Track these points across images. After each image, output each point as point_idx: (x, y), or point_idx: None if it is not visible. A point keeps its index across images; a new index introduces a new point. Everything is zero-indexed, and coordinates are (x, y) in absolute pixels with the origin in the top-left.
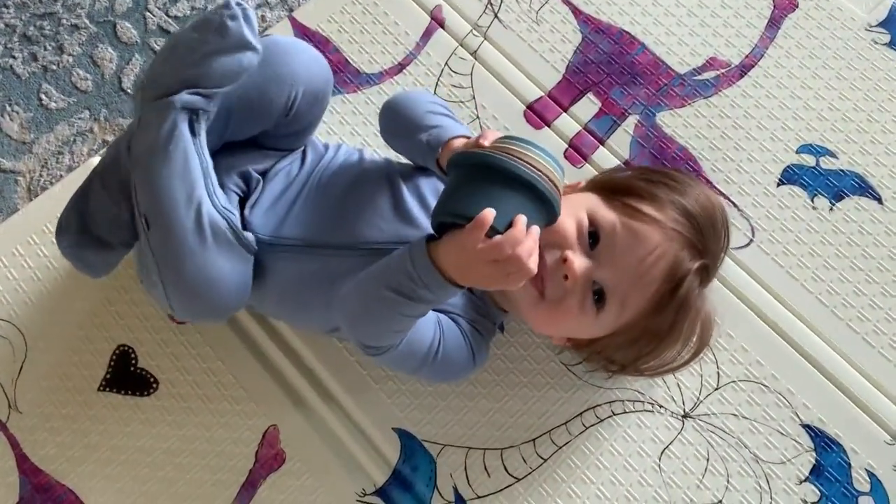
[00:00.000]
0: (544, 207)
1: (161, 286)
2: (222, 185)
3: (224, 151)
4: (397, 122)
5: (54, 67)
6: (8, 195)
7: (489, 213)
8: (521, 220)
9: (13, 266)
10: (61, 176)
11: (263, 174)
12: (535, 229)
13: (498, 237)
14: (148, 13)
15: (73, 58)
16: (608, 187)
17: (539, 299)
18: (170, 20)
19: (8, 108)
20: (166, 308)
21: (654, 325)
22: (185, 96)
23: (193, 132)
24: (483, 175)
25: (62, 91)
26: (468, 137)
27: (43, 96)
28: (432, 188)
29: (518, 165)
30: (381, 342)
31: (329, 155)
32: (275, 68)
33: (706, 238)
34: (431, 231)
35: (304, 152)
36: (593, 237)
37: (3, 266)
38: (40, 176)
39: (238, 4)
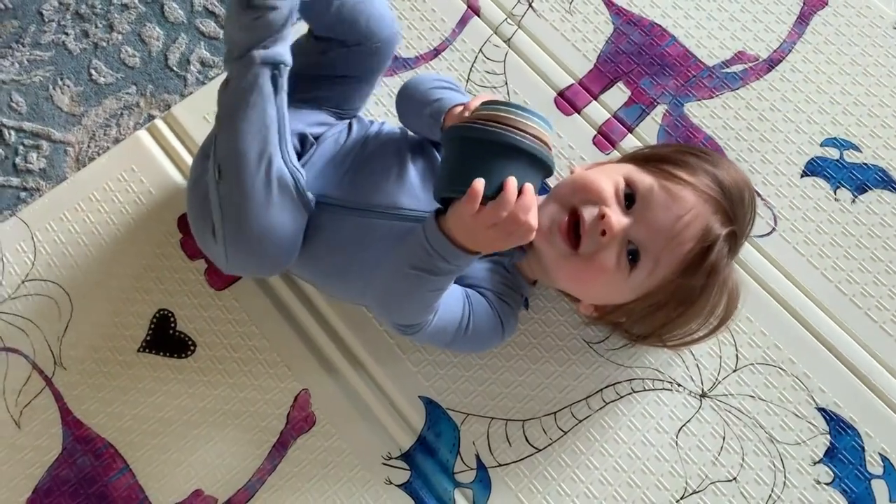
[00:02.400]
0: (534, 163)
1: (222, 239)
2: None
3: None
4: (406, 102)
5: (104, 44)
6: (58, 164)
7: (478, 184)
8: (510, 182)
9: (61, 231)
10: (108, 147)
11: (317, 138)
12: (528, 187)
13: (490, 203)
14: None
15: (123, 35)
16: (643, 157)
17: (572, 254)
18: (215, 2)
19: (59, 83)
20: (221, 261)
21: (683, 290)
22: (261, 52)
23: (276, 87)
24: (469, 147)
25: (111, 67)
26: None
27: (93, 71)
28: None
29: (498, 131)
30: (412, 320)
31: (374, 128)
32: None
33: (736, 207)
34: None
35: (350, 124)
36: (629, 199)
37: (51, 230)
38: (88, 147)
39: None
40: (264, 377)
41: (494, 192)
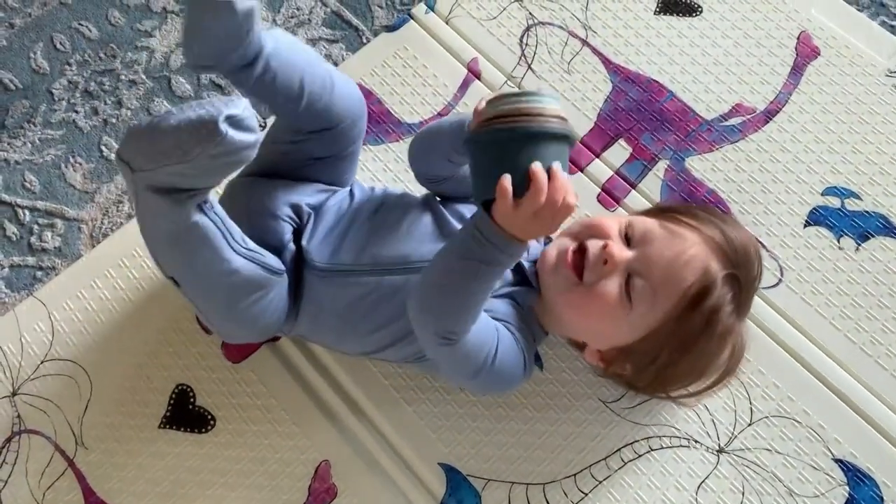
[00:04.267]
0: (552, 140)
1: (208, 321)
2: (276, 216)
3: (280, 184)
4: (424, 139)
5: (114, 120)
6: (72, 242)
7: (504, 181)
8: (535, 170)
9: (78, 309)
10: (121, 223)
11: (315, 209)
12: (556, 167)
13: (526, 195)
14: None
15: (132, 111)
16: (649, 210)
17: (577, 283)
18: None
19: (71, 160)
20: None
21: (684, 332)
22: (195, 198)
23: (204, 210)
24: (488, 149)
25: None
26: None
27: (104, 148)
28: (470, 210)
29: (506, 127)
30: (453, 324)
31: (376, 193)
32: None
33: (739, 256)
34: None
35: (351, 191)
36: (632, 240)
37: (68, 309)
38: (102, 223)
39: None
40: (284, 449)
41: (524, 181)
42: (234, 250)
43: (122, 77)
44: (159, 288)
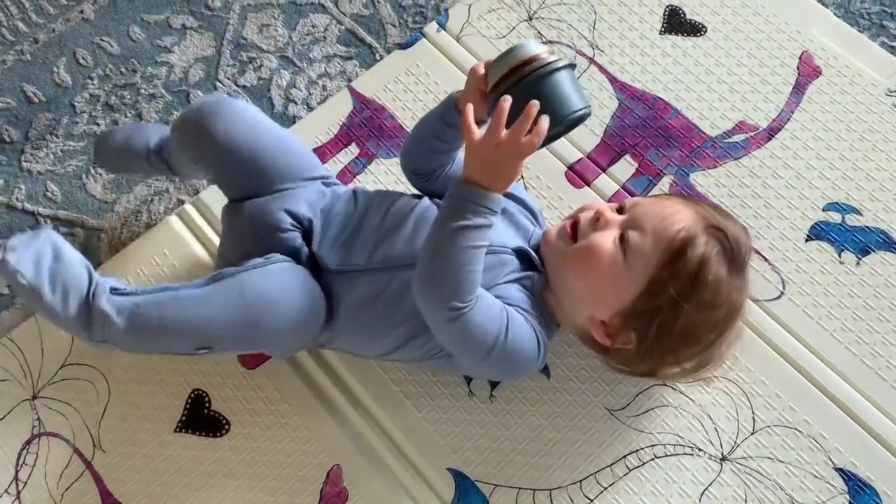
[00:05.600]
0: (559, 72)
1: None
2: (280, 229)
3: (270, 198)
4: (409, 136)
5: None
6: (92, 250)
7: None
8: (529, 106)
9: None
10: (139, 232)
11: (324, 212)
12: (534, 109)
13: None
14: (218, 83)
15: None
16: None
17: (572, 242)
18: (238, 89)
19: (92, 171)
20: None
21: (678, 282)
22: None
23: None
24: (517, 98)
25: None
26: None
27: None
28: None
29: (518, 77)
30: (454, 292)
31: (378, 197)
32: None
33: (721, 225)
34: None
35: (355, 194)
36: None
37: None
38: (121, 233)
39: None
40: (297, 454)
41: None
42: (191, 287)
43: (142, 91)
44: None
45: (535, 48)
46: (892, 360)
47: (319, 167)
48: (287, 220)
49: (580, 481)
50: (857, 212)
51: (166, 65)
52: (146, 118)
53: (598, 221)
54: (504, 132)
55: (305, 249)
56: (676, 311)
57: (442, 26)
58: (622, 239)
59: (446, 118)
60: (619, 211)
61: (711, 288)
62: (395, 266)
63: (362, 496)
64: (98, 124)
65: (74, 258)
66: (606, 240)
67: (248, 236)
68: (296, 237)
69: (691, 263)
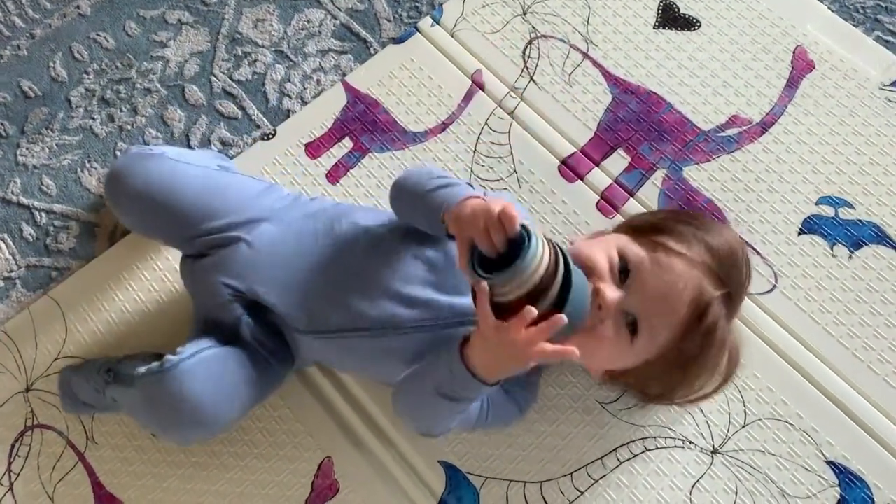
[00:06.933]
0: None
1: None
2: (219, 304)
3: (210, 263)
4: (403, 198)
5: (129, 127)
6: (87, 244)
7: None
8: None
9: (91, 309)
10: None
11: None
12: (531, 315)
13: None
14: (213, 77)
15: (146, 118)
16: (637, 228)
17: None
18: (233, 84)
19: (87, 165)
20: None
21: (684, 353)
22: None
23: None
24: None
25: None
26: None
27: (119, 153)
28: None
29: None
30: (433, 429)
31: (344, 225)
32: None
33: (728, 269)
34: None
35: (304, 228)
36: (624, 272)
37: (82, 309)
38: (116, 226)
39: None
40: (289, 447)
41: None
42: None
43: (138, 85)
44: (171, 290)
45: (542, 257)
46: (885, 354)
47: (251, 208)
48: (226, 293)
49: (571, 474)
50: (850, 205)
51: (162, 59)
52: (141, 113)
53: (599, 309)
54: (523, 332)
55: (246, 318)
56: (681, 371)
57: (436, 21)
58: (628, 325)
59: (432, 227)
60: (623, 274)
61: (717, 349)
62: (372, 332)
63: (353, 488)
64: (93, 118)
65: None
66: (610, 330)
67: (198, 297)
68: (235, 308)
69: (699, 337)
